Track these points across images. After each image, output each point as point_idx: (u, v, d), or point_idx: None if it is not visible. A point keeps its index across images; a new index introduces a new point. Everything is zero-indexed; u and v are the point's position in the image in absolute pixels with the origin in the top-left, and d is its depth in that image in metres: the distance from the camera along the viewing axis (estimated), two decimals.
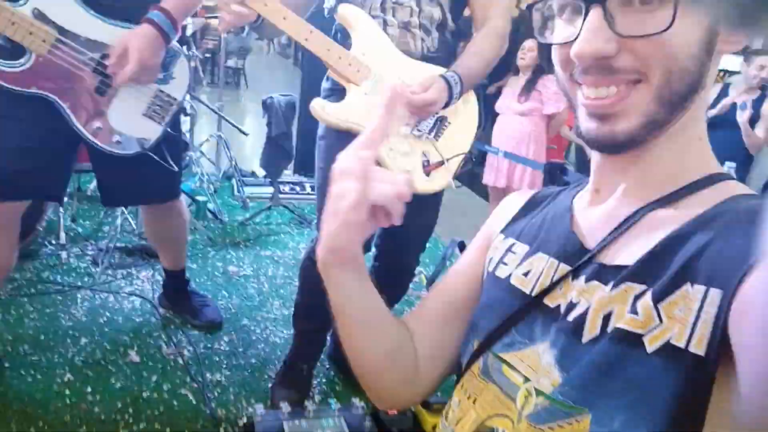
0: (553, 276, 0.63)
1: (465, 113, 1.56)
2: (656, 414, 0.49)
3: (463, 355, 0.72)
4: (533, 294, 0.64)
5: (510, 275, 0.69)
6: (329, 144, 1.55)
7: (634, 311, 0.53)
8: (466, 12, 1.59)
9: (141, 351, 2.02)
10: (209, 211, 3.50)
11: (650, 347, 0.50)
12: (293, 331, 1.88)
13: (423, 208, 1.59)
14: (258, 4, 1.30)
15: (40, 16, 1.38)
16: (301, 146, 4.18)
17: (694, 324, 0.49)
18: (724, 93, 3.58)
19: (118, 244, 2.77)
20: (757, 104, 3.38)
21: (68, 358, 1.92)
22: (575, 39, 0.57)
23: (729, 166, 2.90)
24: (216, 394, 1.85)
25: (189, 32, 3.83)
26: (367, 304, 0.68)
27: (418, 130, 1.49)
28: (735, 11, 0.23)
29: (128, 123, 1.54)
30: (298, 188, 4.21)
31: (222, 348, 2.12)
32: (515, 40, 2.66)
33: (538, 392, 0.59)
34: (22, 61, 1.41)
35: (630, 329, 0.52)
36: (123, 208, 2.84)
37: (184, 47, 1.67)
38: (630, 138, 0.58)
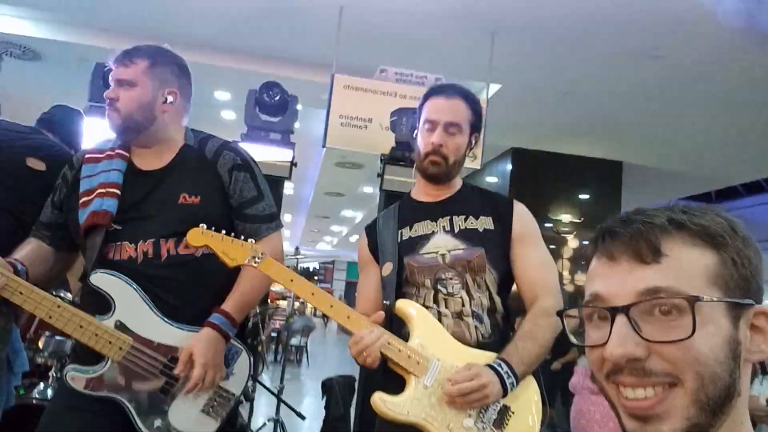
0: None
1: (527, 400, 1.51)
2: None
3: None
4: None
5: None
6: None
7: None
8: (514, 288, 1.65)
9: None
10: None
11: None
12: None
13: None
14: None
15: (121, 327, 1.51)
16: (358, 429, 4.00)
17: None
18: None
19: None
20: None
21: None
22: (606, 342, 0.61)
23: None
24: None
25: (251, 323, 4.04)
26: None
27: (482, 422, 1.43)
28: None
29: (186, 420, 1.55)
30: None
31: None
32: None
33: None
34: (97, 367, 1.50)
35: None
36: None
37: (249, 339, 1.74)
38: None
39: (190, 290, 1.57)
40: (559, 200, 6.95)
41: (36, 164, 1.82)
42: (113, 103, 1.60)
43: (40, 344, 2.54)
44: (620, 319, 0.60)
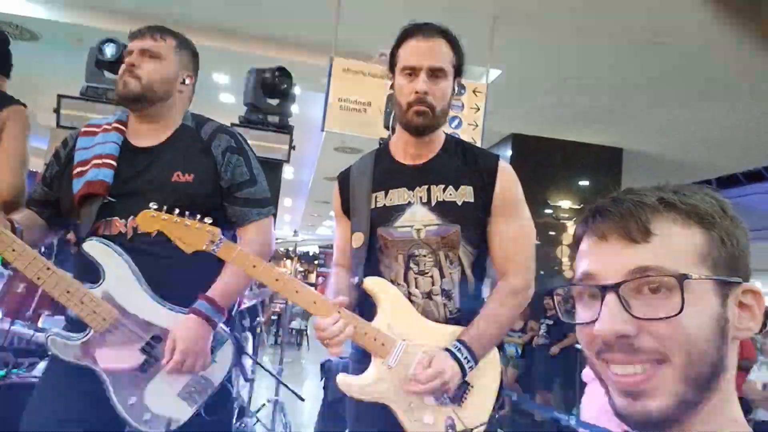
0: None
1: (485, 375, 1.51)
2: None
3: None
4: None
5: None
6: (357, 413, 1.54)
7: None
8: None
9: None
10: None
11: None
12: None
13: None
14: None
15: (107, 297, 1.51)
16: None
17: None
18: None
19: None
20: None
21: None
22: (596, 320, 0.62)
23: None
24: None
25: (246, 306, 4.05)
26: None
27: (442, 397, 1.44)
28: None
29: (161, 402, 1.54)
30: None
31: None
32: None
33: None
34: (79, 335, 1.51)
35: None
36: None
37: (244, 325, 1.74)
38: (663, 417, 0.59)
39: (179, 269, 1.56)
40: (559, 187, 6.95)
41: None
42: (133, 69, 1.61)
43: (40, 323, 2.55)
44: (610, 297, 0.61)
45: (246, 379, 3.42)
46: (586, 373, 3.52)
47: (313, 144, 7.66)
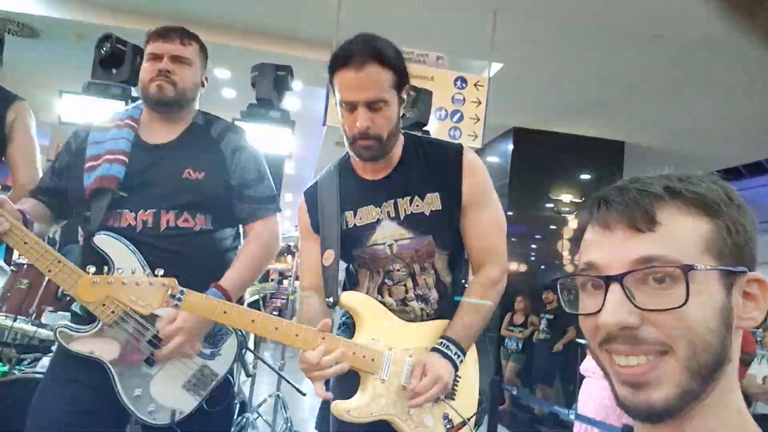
0: None
1: (468, 363, 1.52)
2: None
3: None
4: None
5: None
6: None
7: None
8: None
9: None
10: None
11: None
12: None
13: None
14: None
15: None
16: None
17: None
18: None
19: None
20: None
21: None
22: (600, 310, 0.61)
23: None
24: None
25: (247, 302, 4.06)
26: None
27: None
28: None
29: (166, 394, 1.56)
30: None
31: None
32: None
33: None
34: (87, 327, 1.53)
35: None
36: None
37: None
38: (667, 408, 0.59)
39: (186, 263, 1.58)
40: (560, 180, 6.94)
41: None
42: (169, 75, 1.64)
43: (43, 319, 2.56)
44: (614, 288, 0.60)
45: (247, 375, 3.42)
46: (585, 368, 3.53)
47: (315, 139, 7.65)
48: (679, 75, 4.84)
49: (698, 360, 0.58)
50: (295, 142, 3.55)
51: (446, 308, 1.53)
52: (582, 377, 3.54)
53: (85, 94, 3.14)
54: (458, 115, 4.01)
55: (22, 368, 2.78)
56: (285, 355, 4.55)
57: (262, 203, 1.71)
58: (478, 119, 4.02)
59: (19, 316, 2.57)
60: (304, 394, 4.14)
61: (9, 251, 2.55)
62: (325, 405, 1.60)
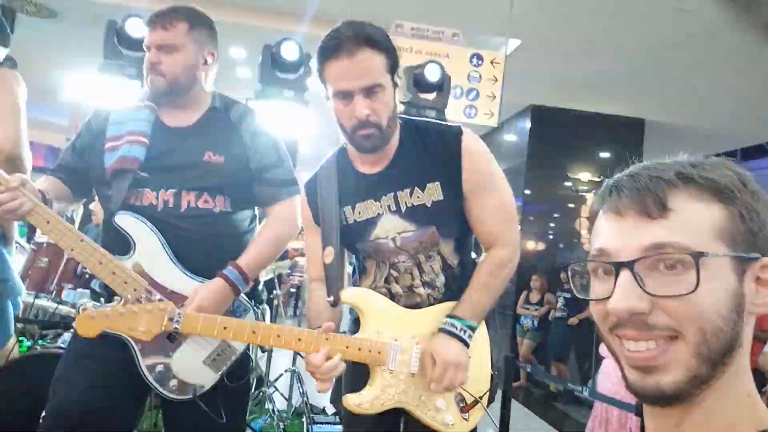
0: None
1: (478, 341, 1.50)
2: None
3: None
4: None
5: None
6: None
7: None
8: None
9: None
10: None
11: None
12: None
13: None
14: None
15: (138, 268, 1.56)
16: None
17: None
18: None
19: None
20: None
21: None
22: (610, 296, 0.61)
23: None
24: None
25: (262, 282, 4.09)
26: None
27: None
28: None
29: (188, 369, 1.60)
30: None
31: None
32: None
33: None
34: (111, 305, 1.55)
35: None
36: None
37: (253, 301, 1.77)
38: (676, 392, 0.59)
39: (205, 244, 1.62)
40: (579, 159, 6.86)
41: None
42: (156, 67, 1.62)
43: (63, 296, 2.62)
44: (625, 274, 0.60)
45: (263, 350, 3.49)
46: (604, 348, 3.52)
47: (330, 118, 7.62)
48: (702, 50, 4.72)
49: (708, 345, 0.58)
50: (311, 122, 3.54)
51: (456, 290, 1.52)
52: (601, 357, 3.54)
53: (100, 74, 3.16)
54: (474, 93, 3.97)
55: (45, 343, 2.86)
56: None
57: (282, 186, 1.73)
58: (495, 97, 3.97)
59: (40, 293, 2.63)
60: None
61: (32, 230, 2.60)
62: (340, 381, 1.62)
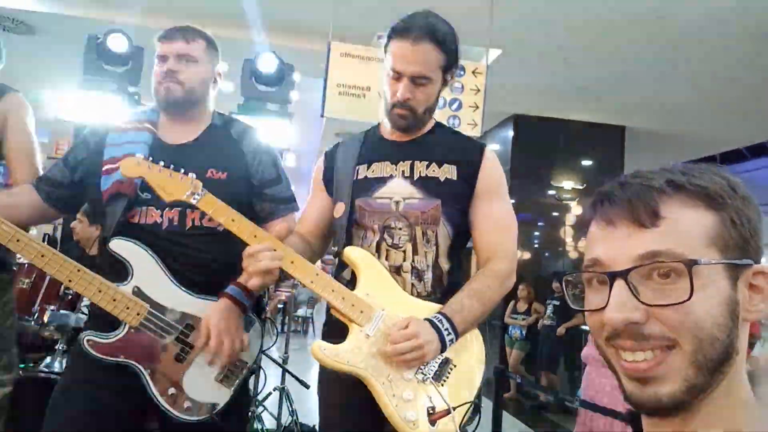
0: None
1: (470, 356, 1.47)
2: None
3: None
4: None
5: None
6: (324, 394, 1.56)
7: None
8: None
9: None
10: None
11: None
12: None
13: None
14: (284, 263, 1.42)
15: (138, 293, 1.54)
16: None
17: None
18: None
19: None
20: None
21: None
22: (605, 306, 0.61)
23: None
24: None
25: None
26: None
27: (422, 374, 1.40)
28: None
29: (201, 389, 1.57)
30: None
31: None
32: None
33: None
34: (116, 332, 1.53)
35: None
36: None
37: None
38: (674, 402, 0.59)
39: (209, 261, 1.62)
40: (562, 167, 6.92)
41: None
42: (175, 75, 1.65)
43: (45, 318, 2.56)
44: (619, 284, 0.60)
45: (251, 372, 3.43)
46: (585, 354, 3.53)
47: (315, 131, 7.62)
48: (680, 57, 4.80)
49: (705, 354, 0.58)
50: (294, 135, 3.53)
51: (440, 297, 1.50)
52: (583, 364, 3.54)
53: (81, 90, 3.12)
54: (457, 103, 3.98)
55: (27, 367, 2.79)
56: (289, 348, 4.56)
57: (281, 203, 1.75)
58: (477, 107, 3.99)
59: (23, 316, 2.57)
60: (308, 387, 4.15)
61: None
62: (324, 404, 1.60)
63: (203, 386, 1.58)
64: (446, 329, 1.38)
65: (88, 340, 1.52)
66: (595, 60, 5.04)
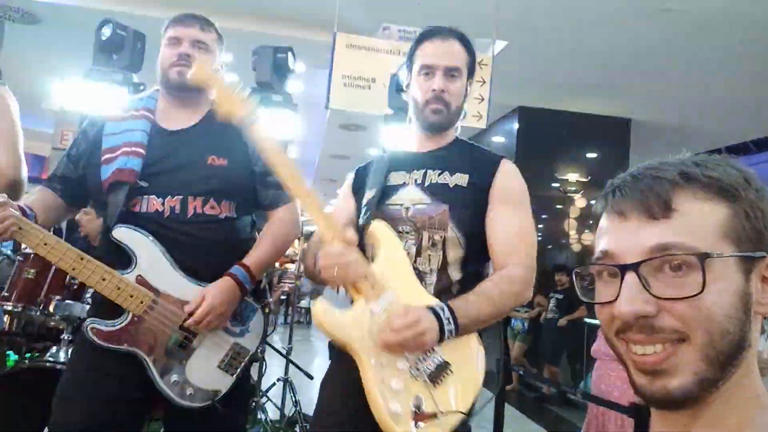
0: None
1: (468, 365, 1.40)
2: None
3: None
4: None
5: None
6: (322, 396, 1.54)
7: None
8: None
9: None
10: None
11: None
12: None
13: None
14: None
15: (142, 281, 1.55)
16: None
17: None
18: None
19: None
20: None
21: None
22: (615, 299, 0.60)
23: None
24: None
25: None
26: None
27: (417, 370, 1.33)
28: None
29: (203, 376, 1.59)
30: None
31: None
32: None
33: None
34: (120, 320, 1.54)
35: None
36: None
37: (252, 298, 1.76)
38: (685, 395, 0.58)
39: (211, 249, 1.62)
40: (567, 159, 6.89)
41: None
42: (189, 59, 1.65)
43: (51, 308, 2.57)
44: (630, 277, 0.59)
45: (255, 360, 3.45)
46: (596, 349, 3.51)
47: (319, 122, 7.60)
48: (687, 49, 4.76)
49: (716, 347, 0.57)
50: (299, 126, 3.52)
51: (445, 302, 1.42)
52: (592, 359, 3.53)
53: (86, 81, 3.12)
54: None
55: (33, 356, 2.80)
56: (293, 339, 4.58)
57: (284, 189, 1.70)
58: (483, 99, 3.97)
59: (28, 306, 2.58)
60: (312, 378, 4.17)
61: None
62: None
63: (205, 373, 1.59)
64: (447, 319, 1.33)
65: (91, 328, 1.53)
66: (601, 52, 5.01)
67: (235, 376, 1.62)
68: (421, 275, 1.48)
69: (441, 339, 1.32)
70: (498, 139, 7.24)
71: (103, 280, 1.51)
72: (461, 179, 1.53)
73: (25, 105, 2.06)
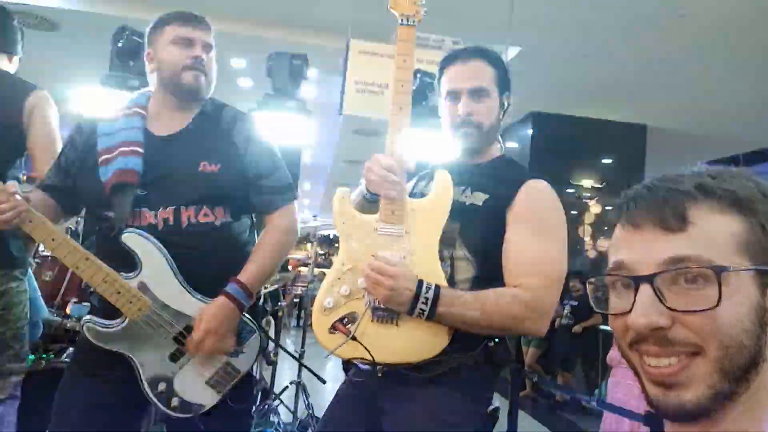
0: None
1: (415, 339, 1.39)
2: None
3: None
4: None
5: None
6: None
7: None
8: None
9: None
10: None
11: None
12: None
13: None
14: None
15: (143, 288, 1.53)
16: None
17: None
18: None
19: None
20: None
21: None
22: (630, 310, 0.60)
23: None
24: None
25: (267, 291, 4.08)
26: None
27: (374, 299, 1.39)
28: None
29: (190, 389, 1.58)
30: None
31: None
32: None
33: None
34: (114, 322, 1.54)
35: None
36: None
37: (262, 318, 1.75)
38: (698, 408, 0.58)
39: (208, 260, 1.58)
40: (581, 165, 6.85)
41: None
42: (203, 64, 1.63)
43: (68, 310, 2.61)
44: (644, 289, 0.59)
45: (268, 363, 3.46)
46: (612, 357, 3.47)
47: (333, 127, 7.64)
48: (703, 56, 4.72)
49: (731, 361, 0.57)
50: (313, 131, 3.54)
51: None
52: (609, 366, 3.49)
53: (103, 87, 3.15)
54: None
55: (49, 357, 2.84)
56: (306, 342, 4.59)
57: (279, 193, 1.68)
58: None
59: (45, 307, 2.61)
60: (325, 382, 4.17)
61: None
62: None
63: (193, 388, 1.57)
64: (426, 298, 1.32)
65: (87, 327, 1.53)
66: (615, 59, 4.98)
67: (221, 393, 1.59)
68: None
69: (410, 312, 1.34)
70: (511, 144, 7.23)
71: (105, 282, 1.50)
72: (478, 198, 1.49)
73: None
